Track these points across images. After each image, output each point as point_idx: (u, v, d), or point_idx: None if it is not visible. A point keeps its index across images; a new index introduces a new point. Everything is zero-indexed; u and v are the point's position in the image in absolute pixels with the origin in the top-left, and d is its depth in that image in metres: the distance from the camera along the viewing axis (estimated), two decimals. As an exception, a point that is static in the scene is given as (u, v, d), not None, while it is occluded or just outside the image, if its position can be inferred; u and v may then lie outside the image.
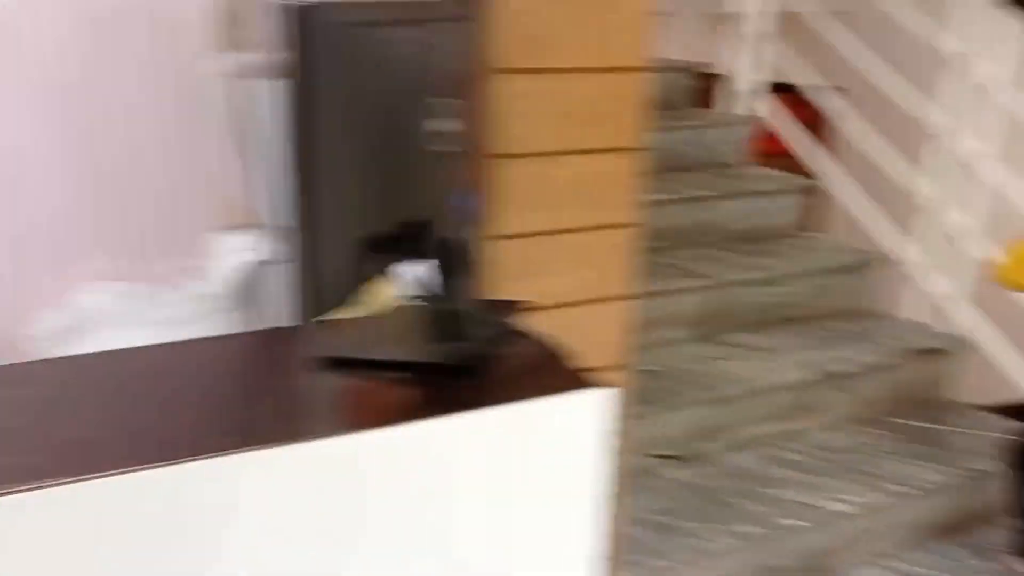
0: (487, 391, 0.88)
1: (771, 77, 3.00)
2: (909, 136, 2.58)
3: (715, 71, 3.08)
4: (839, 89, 2.78)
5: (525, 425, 0.86)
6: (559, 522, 0.90)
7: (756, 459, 2.10)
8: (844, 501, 1.95)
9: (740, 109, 3.07)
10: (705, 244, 2.58)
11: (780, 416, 2.19)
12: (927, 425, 2.29)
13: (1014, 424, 2.07)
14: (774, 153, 3.05)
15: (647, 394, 1.97)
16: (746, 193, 2.74)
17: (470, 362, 0.90)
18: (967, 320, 2.46)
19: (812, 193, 2.86)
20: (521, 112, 1.28)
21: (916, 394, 2.39)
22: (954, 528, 2.08)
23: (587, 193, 1.37)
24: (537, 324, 1.02)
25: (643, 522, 1.83)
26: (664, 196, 2.47)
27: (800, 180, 2.84)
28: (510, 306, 1.03)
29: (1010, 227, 2.64)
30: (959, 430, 2.28)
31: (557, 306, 1.38)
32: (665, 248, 2.44)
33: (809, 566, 1.92)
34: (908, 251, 2.59)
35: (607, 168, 1.38)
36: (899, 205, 2.74)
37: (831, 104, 2.82)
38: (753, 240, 2.67)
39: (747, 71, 3.01)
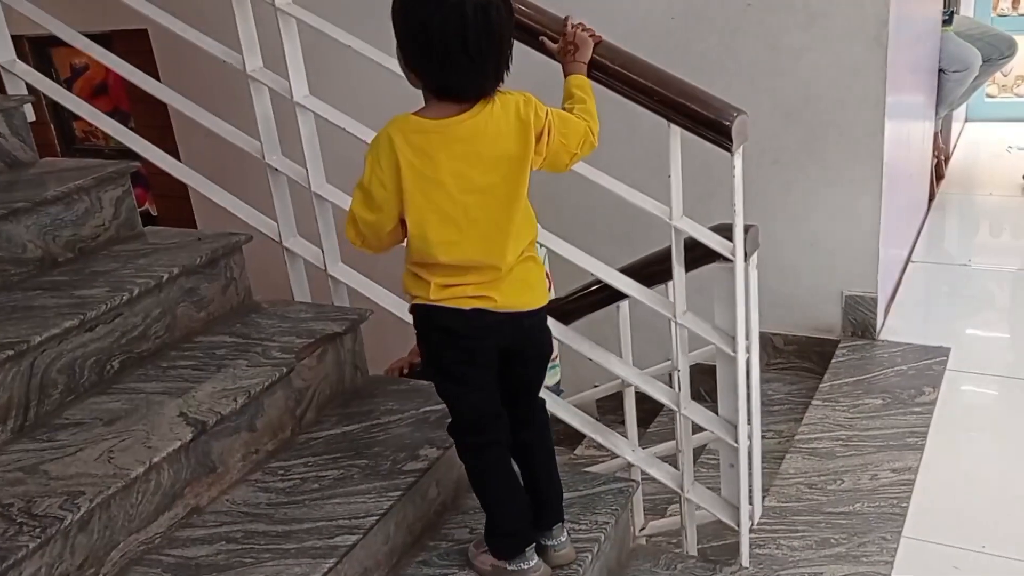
0: None
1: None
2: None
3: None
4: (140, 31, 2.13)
5: None
6: None
7: (148, 582, 1.44)
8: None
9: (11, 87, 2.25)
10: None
11: (164, 507, 1.54)
12: (351, 427, 1.85)
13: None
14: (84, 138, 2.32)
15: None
16: (45, 201, 1.96)
17: None
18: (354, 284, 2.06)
19: (155, 179, 2.20)
20: None
21: (333, 389, 1.94)
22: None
23: None
24: None
25: None
26: None
27: (116, 165, 2.14)
28: None
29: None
30: (391, 419, 1.88)
31: None
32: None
33: None
34: (279, 224, 2.09)
35: None
36: (252, 170, 2.22)
37: (115, 59, 2.15)
38: (61, 265, 1.93)
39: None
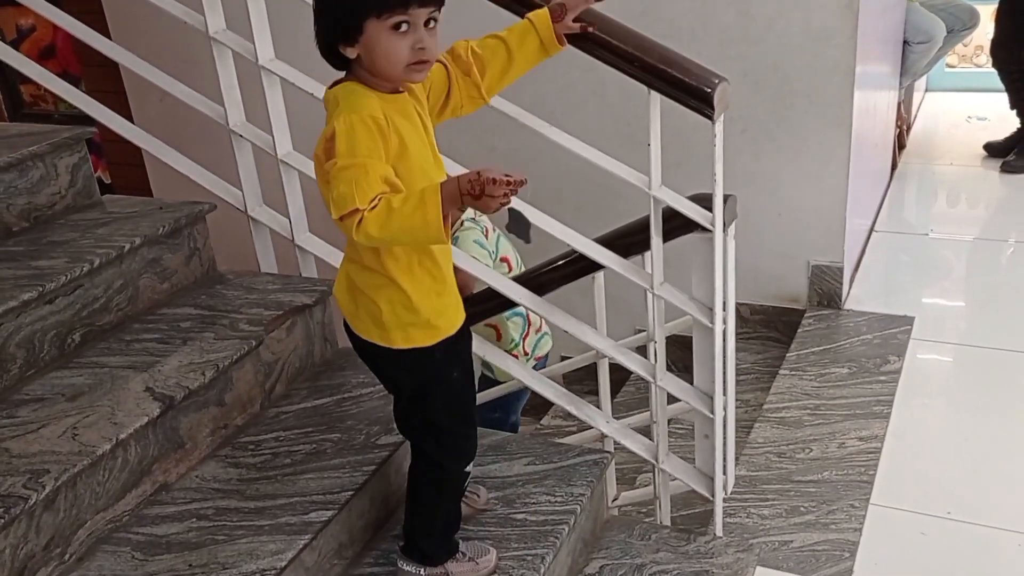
0: None
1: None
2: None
3: None
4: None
5: None
6: None
7: (118, 560, 1.40)
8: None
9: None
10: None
11: (131, 484, 1.50)
12: (322, 401, 1.81)
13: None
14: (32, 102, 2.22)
15: None
16: (-4, 167, 1.88)
17: None
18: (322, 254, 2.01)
19: (108, 147, 2.12)
20: None
21: (303, 362, 1.90)
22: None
23: None
24: None
25: None
26: None
27: (72, 131, 2.05)
28: None
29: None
30: (363, 391, 1.84)
31: None
32: None
33: None
34: (244, 192, 2.03)
35: None
36: (211, 137, 2.16)
37: (68, 18, 2.05)
38: (16, 235, 1.85)
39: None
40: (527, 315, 2.41)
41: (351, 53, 1.25)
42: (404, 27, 1.21)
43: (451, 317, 1.40)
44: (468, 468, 1.51)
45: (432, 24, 1.24)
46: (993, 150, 4.20)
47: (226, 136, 2.00)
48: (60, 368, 1.66)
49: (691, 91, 1.50)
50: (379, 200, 1.18)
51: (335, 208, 1.20)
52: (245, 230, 2.10)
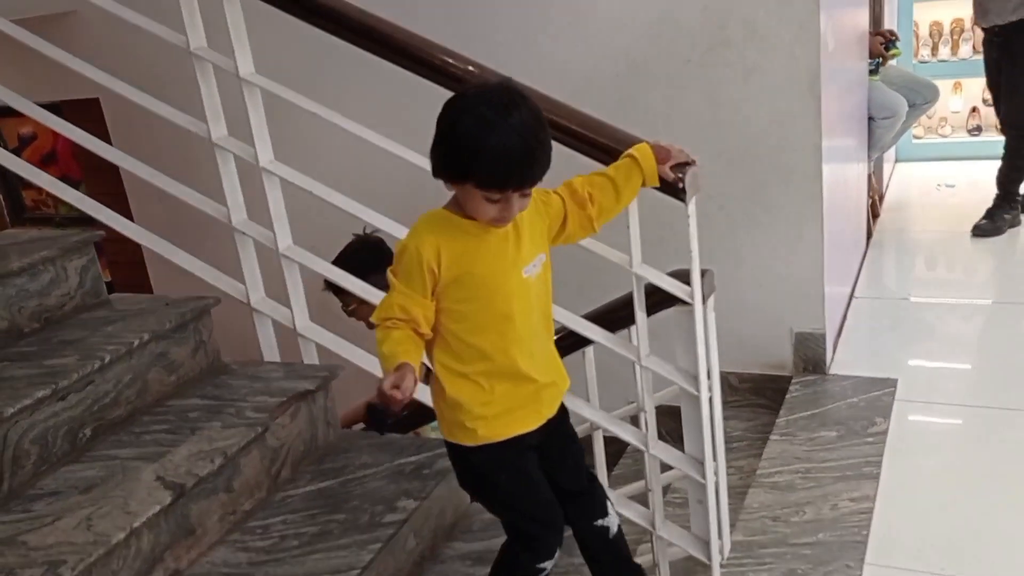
0: None
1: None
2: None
3: None
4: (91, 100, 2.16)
5: None
6: None
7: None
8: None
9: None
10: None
11: (144, 572, 1.55)
12: (327, 483, 1.87)
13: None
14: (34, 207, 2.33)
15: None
16: (10, 273, 1.97)
17: None
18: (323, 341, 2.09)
19: (108, 246, 2.22)
20: None
21: (307, 446, 1.96)
22: None
23: None
24: None
25: None
26: None
27: (81, 235, 2.16)
28: None
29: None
30: (366, 472, 1.90)
31: None
32: None
33: None
34: (247, 286, 2.12)
35: None
36: (210, 235, 2.26)
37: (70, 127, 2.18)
38: (28, 336, 1.94)
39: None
40: None
41: (448, 189, 1.40)
42: (496, 198, 1.35)
43: (495, 428, 1.48)
44: (543, 566, 1.57)
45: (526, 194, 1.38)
46: (981, 231, 4.20)
47: (224, 234, 2.10)
48: (73, 462, 1.72)
49: (663, 181, 1.62)
50: (389, 323, 1.38)
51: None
52: (246, 322, 2.19)
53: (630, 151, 1.58)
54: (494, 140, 1.30)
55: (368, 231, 2.63)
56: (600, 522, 1.63)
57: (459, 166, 1.34)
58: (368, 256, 2.58)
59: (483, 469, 1.51)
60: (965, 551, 2.21)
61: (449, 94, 1.43)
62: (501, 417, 1.48)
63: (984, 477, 2.50)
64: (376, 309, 1.42)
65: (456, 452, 1.52)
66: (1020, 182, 4.12)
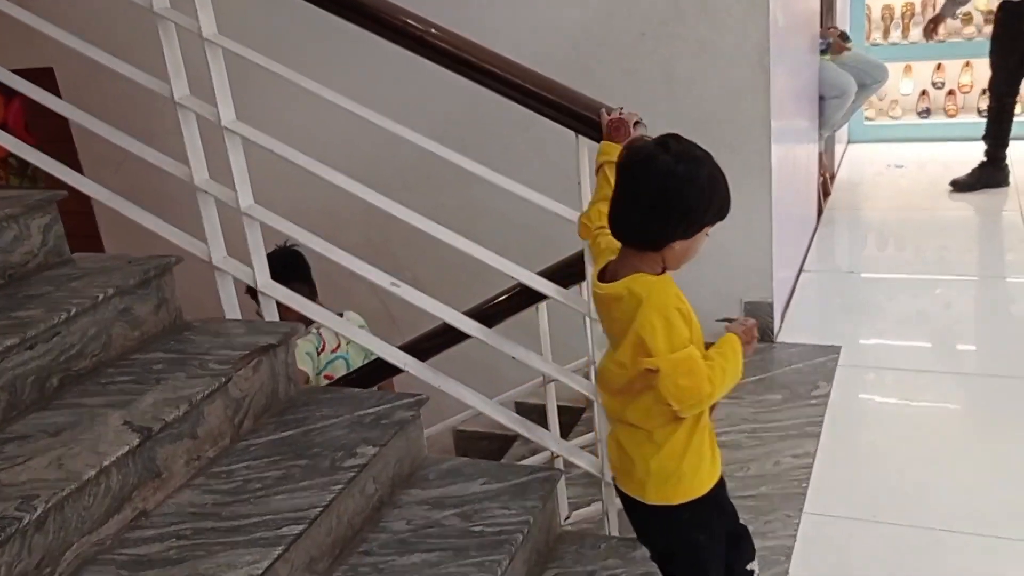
0: None
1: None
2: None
3: None
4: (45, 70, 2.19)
5: None
6: None
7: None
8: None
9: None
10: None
11: (114, 510, 1.61)
12: (289, 432, 1.94)
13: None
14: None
15: None
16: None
17: None
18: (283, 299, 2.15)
19: (71, 205, 2.25)
20: None
21: (268, 399, 2.02)
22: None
23: None
24: None
25: None
26: None
27: (43, 194, 2.19)
28: None
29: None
30: (326, 423, 1.97)
31: None
32: None
33: None
34: (209, 245, 2.17)
35: None
36: (165, 198, 2.30)
37: (39, 91, 2.21)
38: (-5, 289, 1.98)
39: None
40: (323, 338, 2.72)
41: (678, 246, 1.46)
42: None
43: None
44: None
45: None
46: (960, 186, 4.49)
47: (181, 204, 2.15)
48: (41, 409, 1.77)
49: (610, 132, 1.70)
50: (704, 370, 1.51)
51: (680, 403, 1.49)
52: (206, 282, 2.23)
53: (609, 157, 1.65)
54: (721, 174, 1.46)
55: (288, 244, 2.69)
56: (750, 566, 1.76)
57: (713, 214, 1.45)
58: (288, 264, 2.68)
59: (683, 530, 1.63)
60: (895, 500, 2.34)
61: (408, 55, 1.47)
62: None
63: (915, 435, 2.65)
64: (689, 393, 1.50)
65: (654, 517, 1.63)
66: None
